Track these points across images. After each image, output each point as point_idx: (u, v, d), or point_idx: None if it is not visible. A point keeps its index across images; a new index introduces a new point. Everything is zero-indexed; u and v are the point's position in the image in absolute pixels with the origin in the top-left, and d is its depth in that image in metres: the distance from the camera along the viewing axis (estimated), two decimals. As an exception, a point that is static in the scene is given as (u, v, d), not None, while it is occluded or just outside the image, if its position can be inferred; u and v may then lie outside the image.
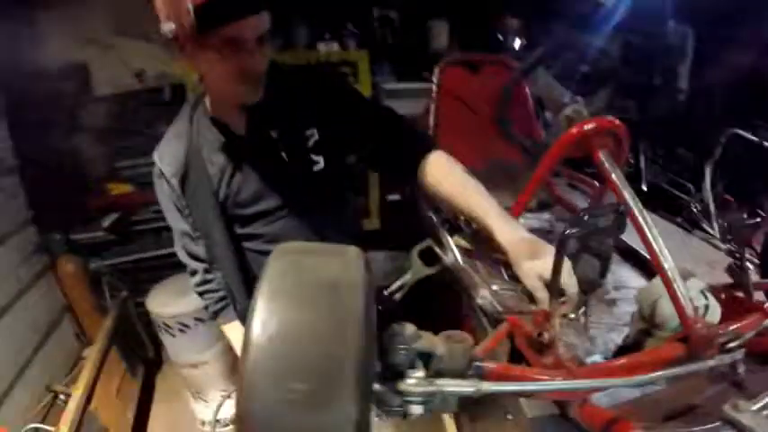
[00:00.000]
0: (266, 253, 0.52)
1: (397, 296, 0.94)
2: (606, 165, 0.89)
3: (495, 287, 1.01)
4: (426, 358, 0.53)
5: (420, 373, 0.45)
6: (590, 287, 1.02)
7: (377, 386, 0.47)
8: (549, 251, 0.75)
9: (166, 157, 1.07)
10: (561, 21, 1.83)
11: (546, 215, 1.33)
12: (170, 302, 2.00)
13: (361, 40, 2.62)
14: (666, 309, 0.85)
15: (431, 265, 0.94)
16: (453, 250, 1.09)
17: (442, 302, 1.37)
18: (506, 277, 1.07)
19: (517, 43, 1.47)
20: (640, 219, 0.83)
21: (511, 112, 1.35)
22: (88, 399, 1.72)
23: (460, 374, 0.52)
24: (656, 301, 0.87)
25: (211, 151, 1.06)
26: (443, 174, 1.01)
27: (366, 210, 2.86)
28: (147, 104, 2.47)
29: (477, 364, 0.57)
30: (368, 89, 2.59)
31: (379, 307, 0.99)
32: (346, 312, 0.40)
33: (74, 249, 2.29)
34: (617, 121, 0.96)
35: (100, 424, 1.78)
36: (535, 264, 0.75)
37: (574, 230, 0.62)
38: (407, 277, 0.93)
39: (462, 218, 1.18)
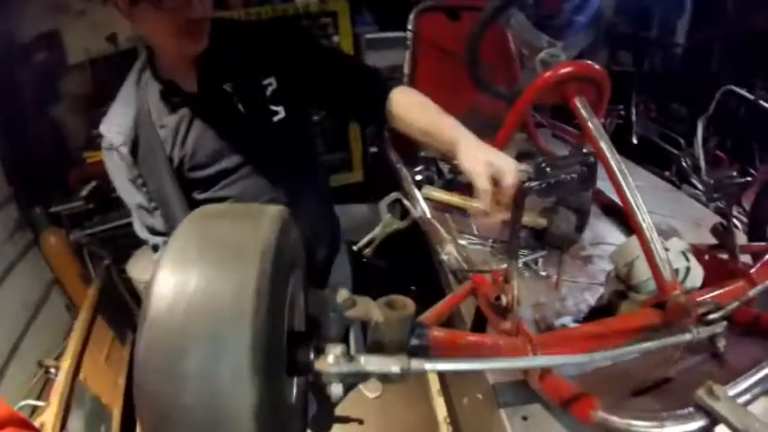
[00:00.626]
0: None
1: (368, 251, 0.90)
2: (583, 112, 0.81)
3: (462, 241, 0.96)
4: (364, 327, 0.49)
5: (338, 350, 0.40)
6: (565, 243, 0.97)
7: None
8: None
9: (114, 126, 1.00)
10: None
11: (523, 165, 1.26)
12: (150, 267, 1.97)
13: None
14: (644, 270, 0.79)
15: (401, 219, 0.89)
16: (421, 203, 1.03)
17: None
18: (476, 231, 1.02)
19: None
20: (617, 172, 0.76)
21: (490, 60, 1.25)
22: (77, 370, 1.72)
23: (400, 344, 0.48)
24: (634, 260, 0.81)
25: (161, 114, 0.99)
26: (409, 104, 0.96)
27: (349, 163, 2.79)
28: (122, 67, 2.35)
29: (423, 332, 0.52)
30: (349, 40, 2.45)
31: (365, 261, 0.95)
32: (243, 281, 0.35)
33: (56, 222, 2.24)
34: (597, 67, 0.88)
35: (91, 393, 1.79)
36: (487, 152, 0.70)
37: (533, 183, 0.56)
38: (376, 231, 0.88)
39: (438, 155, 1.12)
